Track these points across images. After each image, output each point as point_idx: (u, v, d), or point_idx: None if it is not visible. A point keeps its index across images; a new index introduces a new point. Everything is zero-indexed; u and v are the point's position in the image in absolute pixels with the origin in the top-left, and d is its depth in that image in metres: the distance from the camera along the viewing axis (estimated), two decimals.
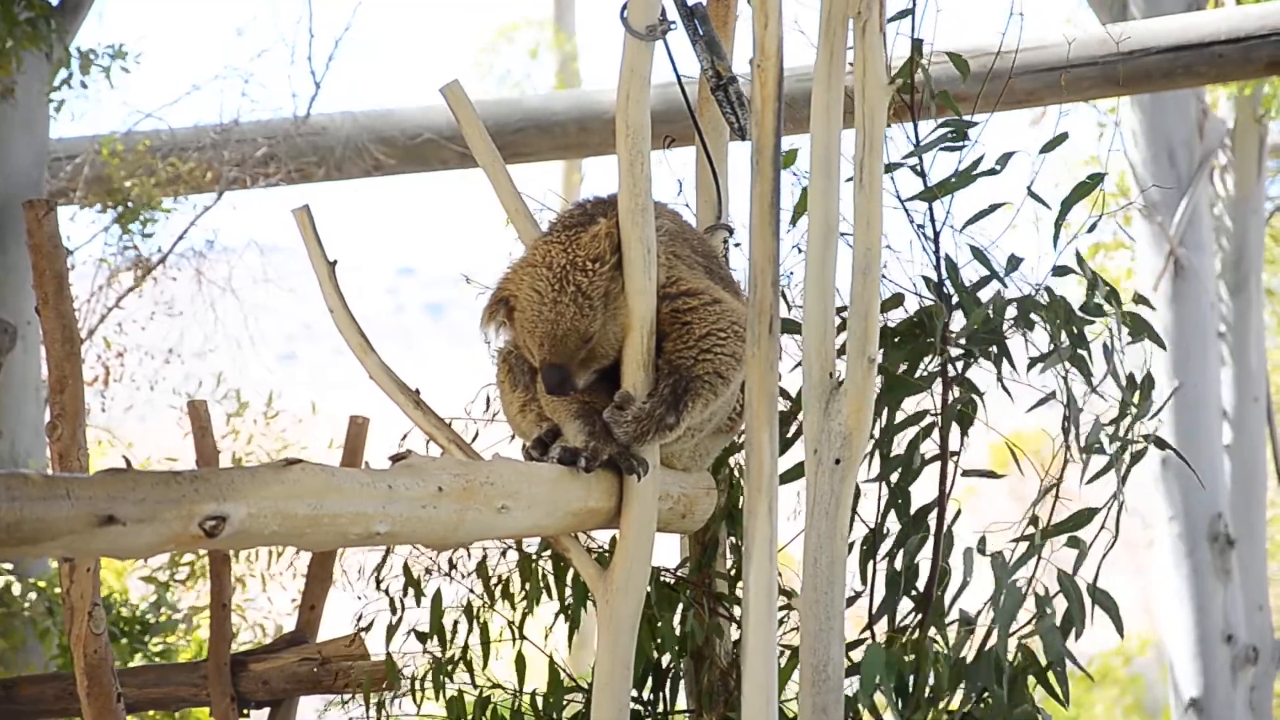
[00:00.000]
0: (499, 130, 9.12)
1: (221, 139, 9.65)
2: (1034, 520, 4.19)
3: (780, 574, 3.85)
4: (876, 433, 4.27)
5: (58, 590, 7.79)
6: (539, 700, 4.52)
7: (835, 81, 3.79)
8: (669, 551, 4.51)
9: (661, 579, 4.48)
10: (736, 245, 4.50)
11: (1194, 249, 10.78)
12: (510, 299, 3.89)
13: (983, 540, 4.16)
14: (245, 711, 5.34)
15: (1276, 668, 10.95)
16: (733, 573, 4.51)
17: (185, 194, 9.59)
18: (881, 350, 4.28)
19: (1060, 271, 4.32)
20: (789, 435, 4.32)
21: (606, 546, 4.38)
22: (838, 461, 3.76)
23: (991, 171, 4.31)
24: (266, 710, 5.40)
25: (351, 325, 4.24)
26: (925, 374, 4.29)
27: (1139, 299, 4.35)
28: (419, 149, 9.73)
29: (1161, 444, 4.25)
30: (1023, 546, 4.14)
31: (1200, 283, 10.78)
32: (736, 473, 4.50)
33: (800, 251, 4.26)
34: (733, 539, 4.52)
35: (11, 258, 8.41)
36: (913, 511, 4.30)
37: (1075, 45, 8.76)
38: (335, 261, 4.26)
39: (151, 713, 7.82)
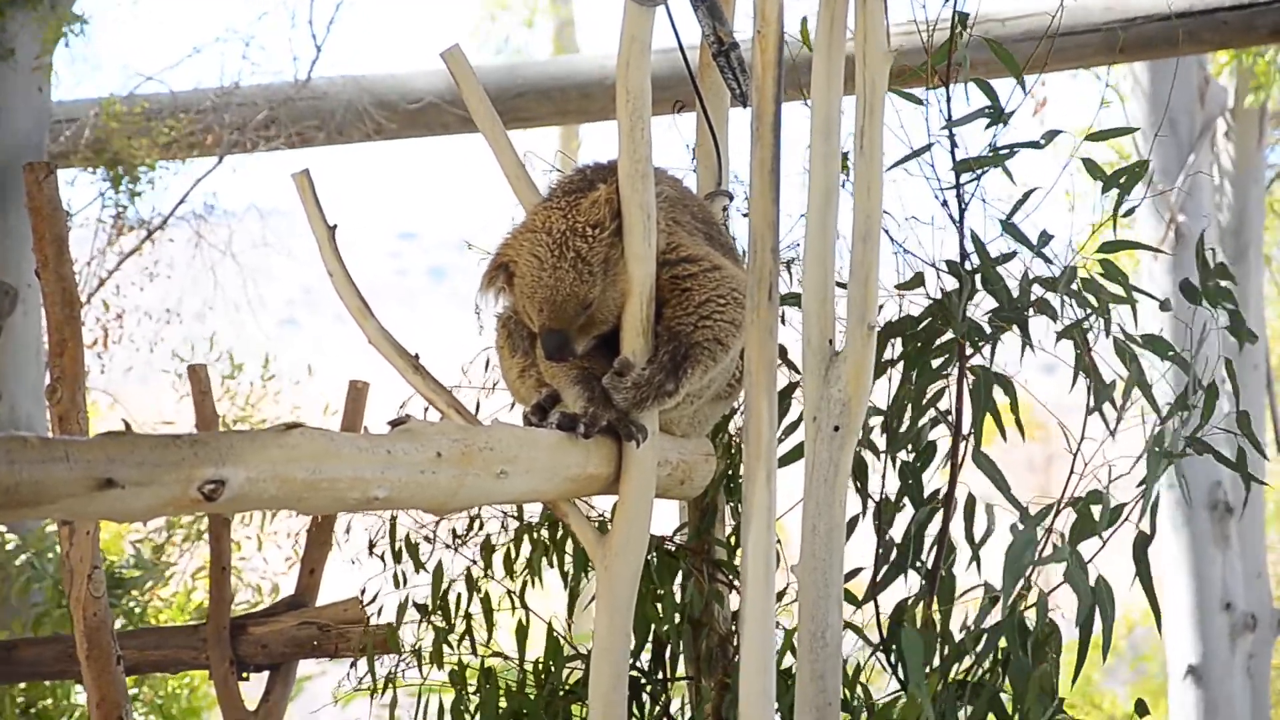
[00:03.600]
0: (500, 95, 9.09)
1: (222, 102, 9.64)
2: (1074, 501, 4.19)
3: (780, 542, 3.85)
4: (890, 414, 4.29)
5: (50, 555, 7.80)
6: (539, 668, 4.53)
7: (836, 48, 3.78)
8: (667, 518, 4.51)
9: (664, 547, 4.48)
10: (745, 215, 4.49)
11: (1194, 217, 10.77)
12: (510, 264, 3.89)
13: (1026, 513, 4.16)
14: (244, 675, 5.35)
15: (1275, 635, 10.98)
16: (731, 540, 4.51)
17: (185, 157, 9.57)
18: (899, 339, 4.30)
19: (1112, 247, 4.31)
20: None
21: (608, 515, 4.38)
22: (836, 429, 3.76)
23: (1035, 145, 4.30)
24: (266, 674, 5.41)
25: (351, 290, 4.24)
26: (944, 359, 4.30)
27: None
28: (420, 113, 9.71)
29: (1203, 448, 4.24)
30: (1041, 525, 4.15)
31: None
32: (736, 438, 4.51)
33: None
34: (731, 505, 4.53)
35: (12, 221, 8.40)
36: (925, 494, 4.31)
37: (1078, 11, 8.74)
38: (335, 226, 4.25)
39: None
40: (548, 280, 3.79)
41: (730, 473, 4.49)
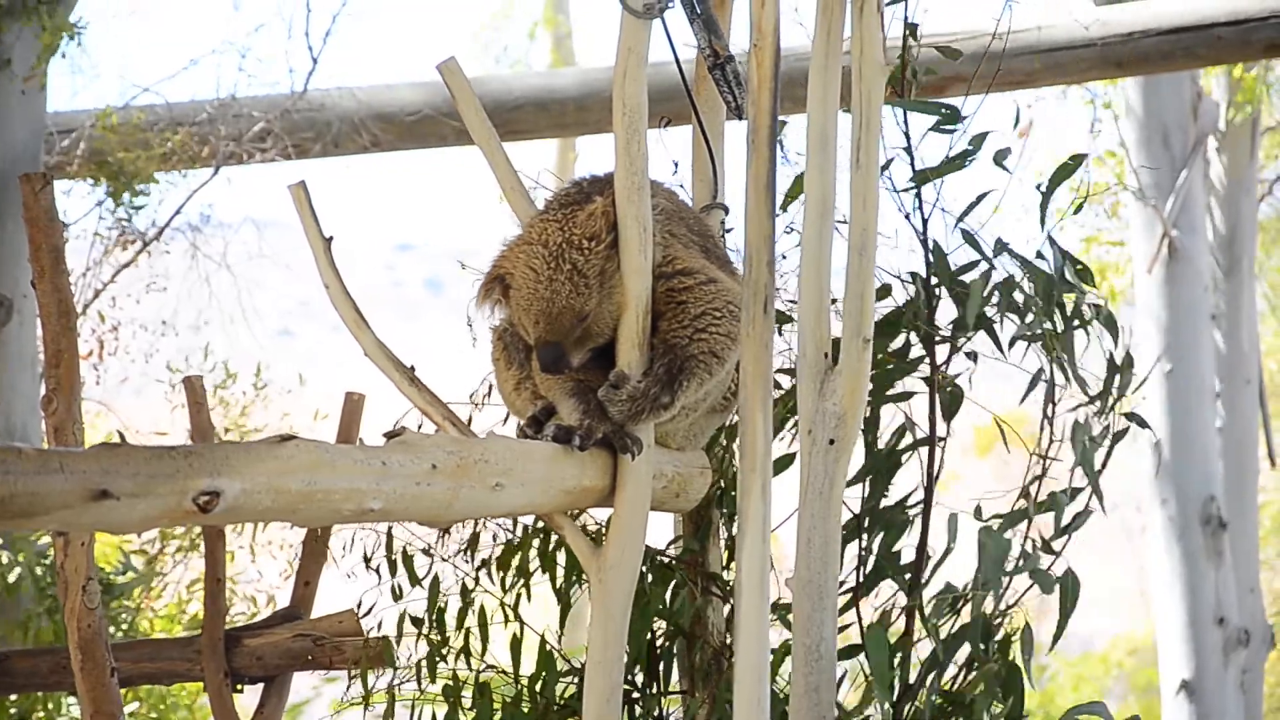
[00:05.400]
0: (497, 107, 9.10)
1: (218, 113, 9.63)
2: (1025, 493, 4.19)
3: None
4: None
5: (40, 565, 7.78)
6: (534, 683, 4.52)
7: (832, 61, 3.79)
8: (661, 530, 4.51)
9: (659, 560, 4.48)
10: (729, 230, 4.50)
11: (1188, 231, 10.80)
12: (506, 277, 3.89)
13: (978, 510, 4.16)
14: (239, 687, 5.34)
15: (1268, 650, 10.98)
16: (725, 552, 4.51)
17: (181, 169, 9.57)
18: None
19: (1043, 255, 4.31)
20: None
21: (604, 522, 4.37)
22: (832, 442, 3.76)
23: (966, 153, 4.30)
24: (260, 686, 5.41)
25: (347, 301, 4.24)
26: (910, 361, 4.30)
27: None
28: (417, 126, 9.71)
29: (1141, 422, 4.24)
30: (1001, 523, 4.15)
31: (1193, 265, 10.80)
32: (730, 454, 4.51)
33: (789, 232, 4.27)
34: (723, 513, 4.52)
35: (8, 231, 8.39)
36: (896, 500, 4.32)
37: (1073, 28, 8.77)
38: (332, 237, 4.25)
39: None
40: (544, 293, 3.80)
41: (723, 485, 4.49)
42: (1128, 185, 10.90)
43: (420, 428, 4.30)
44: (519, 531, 4.68)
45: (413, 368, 4.21)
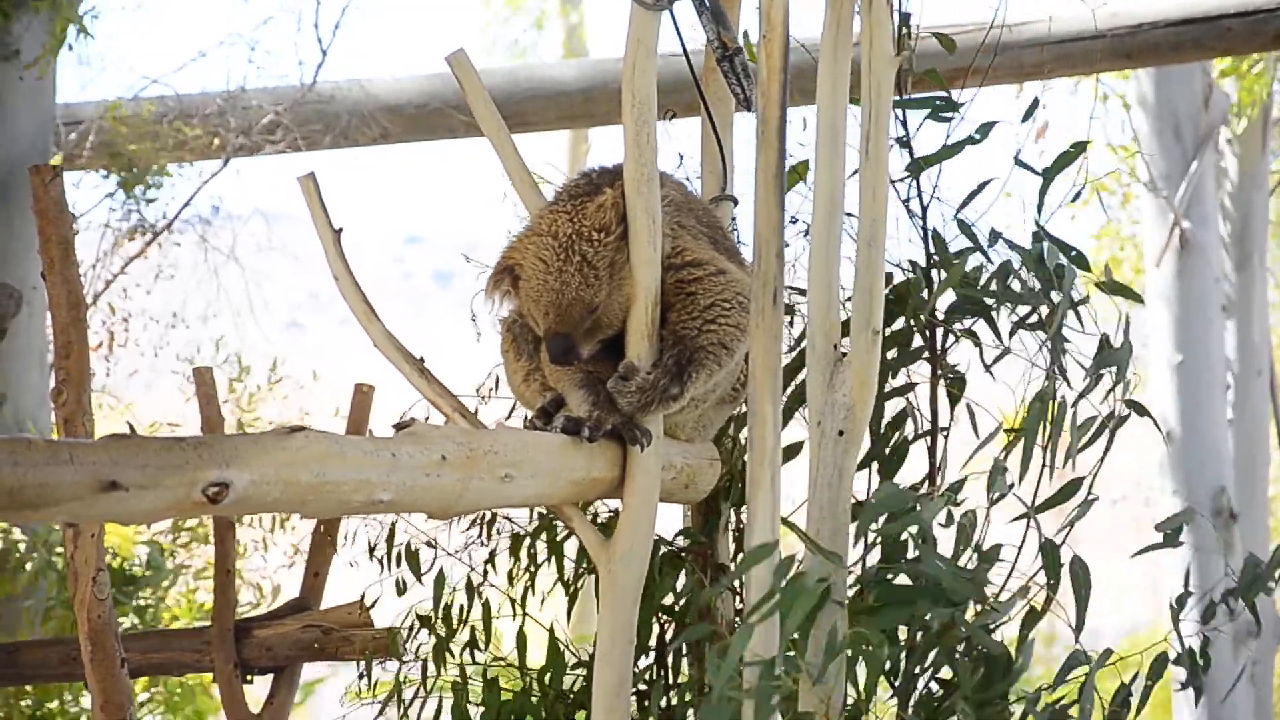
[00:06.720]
0: (505, 99, 9.09)
1: (228, 105, 9.63)
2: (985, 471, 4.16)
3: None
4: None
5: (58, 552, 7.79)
6: (541, 675, 4.52)
7: (842, 53, 3.78)
8: (671, 521, 4.51)
9: (667, 548, 4.47)
10: (733, 219, 4.49)
11: (1199, 223, 10.78)
12: (515, 268, 3.89)
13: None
14: (248, 678, 5.36)
15: (1277, 643, 10.97)
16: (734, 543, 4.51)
17: (191, 160, 9.58)
18: None
19: (1038, 237, 4.30)
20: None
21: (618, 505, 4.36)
22: (841, 433, 3.76)
23: (972, 140, 4.28)
24: (270, 676, 5.42)
25: (356, 293, 4.24)
26: (911, 351, 4.28)
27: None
28: (426, 117, 9.71)
29: (1141, 410, 4.21)
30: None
31: (1205, 256, 10.79)
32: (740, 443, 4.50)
33: (794, 222, 4.26)
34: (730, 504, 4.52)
35: (17, 223, 8.40)
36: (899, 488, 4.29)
37: (1082, 19, 8.75)
38: (341, 229, 4.26)
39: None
40: (553, 284, 3.80)
41: (731, 477, 4.48)
42: (1139, 177, 10.89)
43: (428, 419, 4.30)
44: (527, 524, 4.68)
45: (422, 359, 4.21)
